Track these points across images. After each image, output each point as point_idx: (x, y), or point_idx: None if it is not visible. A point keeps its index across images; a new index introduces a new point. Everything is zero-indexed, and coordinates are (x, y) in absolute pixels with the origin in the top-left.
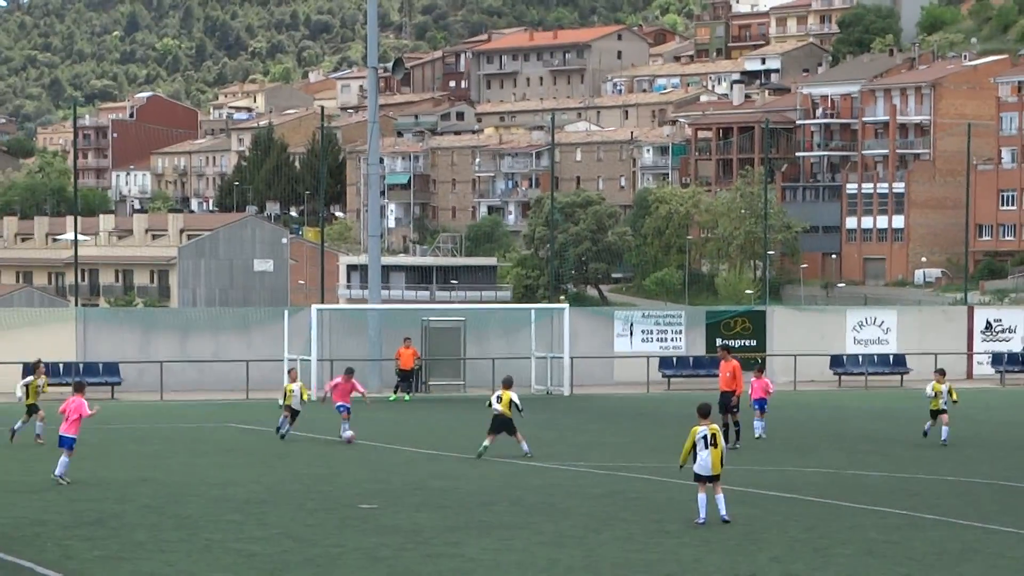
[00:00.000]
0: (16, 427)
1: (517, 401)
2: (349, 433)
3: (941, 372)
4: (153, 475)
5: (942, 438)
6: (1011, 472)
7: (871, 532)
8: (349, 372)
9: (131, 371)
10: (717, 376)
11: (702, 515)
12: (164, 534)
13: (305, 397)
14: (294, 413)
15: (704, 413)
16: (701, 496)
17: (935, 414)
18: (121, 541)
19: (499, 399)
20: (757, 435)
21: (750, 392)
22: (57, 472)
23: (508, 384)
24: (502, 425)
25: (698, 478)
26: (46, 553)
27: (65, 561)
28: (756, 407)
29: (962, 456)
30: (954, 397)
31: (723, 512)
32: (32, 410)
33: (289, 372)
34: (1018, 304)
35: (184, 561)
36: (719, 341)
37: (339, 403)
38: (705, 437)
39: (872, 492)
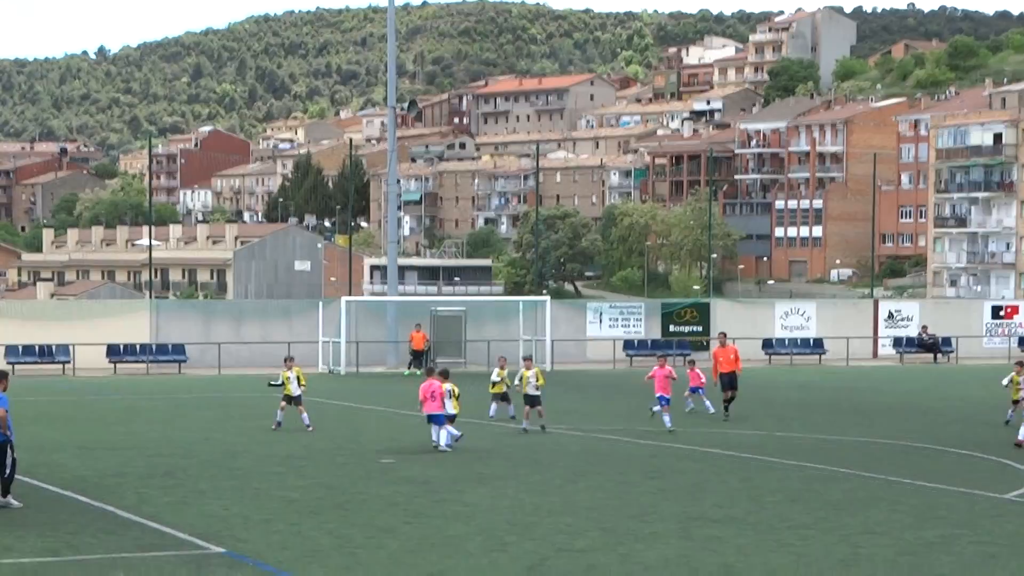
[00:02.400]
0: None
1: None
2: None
3: (1020, 364)
4: (213, 436)
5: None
6: (909, 434)
7: (795, 483)
8: None
9: (194, 351)
10: (672, 355)
11: None
12: (221, 484)
13: (303, 383)
14: (293, 399)
15: None
16: None
17: (1016, 403)
18: (186, 490)
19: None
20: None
21: (688, 380)
22: (442, 443)
23: (529, 359)
24: (532, 400)
25: None
26: (125, 500)
27: (141, 506)
28: (692, 391)
29: (868, 421)
30: None
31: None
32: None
33: (286, 360)
34: (914, 298)
35: (237, 506)
36: (687, 330)
37: None
38: None
39: (796, 450)
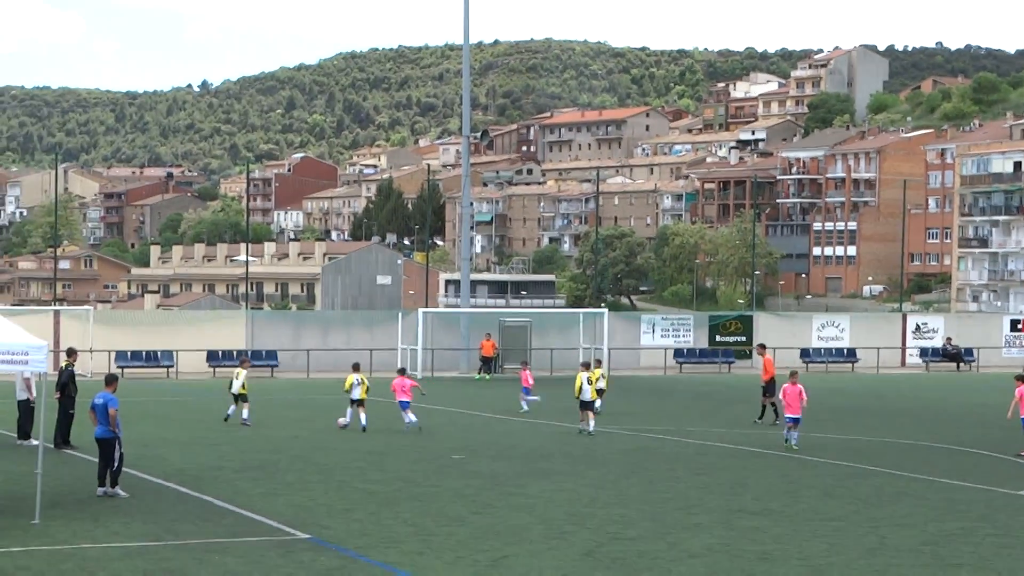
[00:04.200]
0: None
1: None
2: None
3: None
4: (301, 433)
5: None
6: (933, 436)
7: (828, 479)
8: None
9: (286, 357)
10: (718, 363)
11: None
12: (308, 476)
13: (366, 387)
14: (358, 403)
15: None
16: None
17: None
18: (276, 482)
19: (589, 380)
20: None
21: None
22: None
23: (588, 366)
24: (587, 405)
25: None
26: (221, 490)
27: (235, 496)
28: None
29: (897, 424)
30: None
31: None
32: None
33: (354, 366)
34: (939, 312)
35: (323, 496)
36: (712, 338)
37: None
38: None
39: (829, 449)
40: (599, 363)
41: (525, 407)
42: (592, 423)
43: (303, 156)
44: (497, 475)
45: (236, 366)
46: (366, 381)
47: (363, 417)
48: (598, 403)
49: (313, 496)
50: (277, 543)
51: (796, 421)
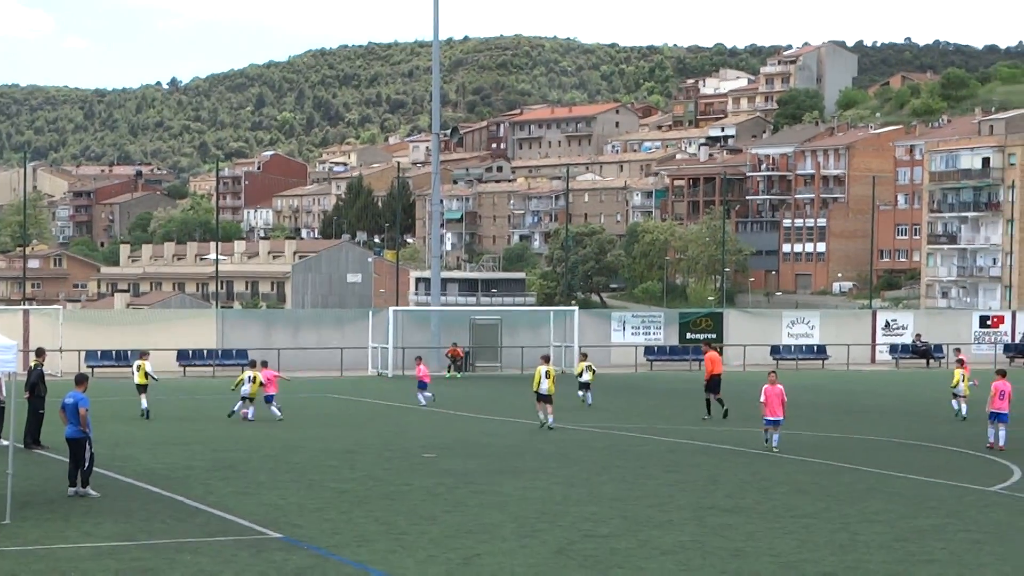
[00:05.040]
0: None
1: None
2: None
3: (960, 362)
4: (272, 432)
5: None
6: (904, 432)
7: (801, 476)
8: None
9: (256, 355)
10: (688, 360)
11: None
12: (279, 476)
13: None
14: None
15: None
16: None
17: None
18: (248, 481)
19: (547, 375)
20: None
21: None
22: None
23: (548, 359)
24: (544, 398)
25: None
26: (192, 490)
27: (207, 496)
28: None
29: (867, 420)
30: None
31: None
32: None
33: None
34: (909, 308)
35: (294, 496)
36: (702, 337)
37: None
38: None
39: (801, 447)
40: (585, 356)
41: (423, 402)
42: (551, 417)
43: (273, 154)
44: (469, 473)
45: (246, 367)
46: (553, 372)
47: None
48: (589, 397)
49: (285, 495)
50: (249, 542)
51: (777, 423)
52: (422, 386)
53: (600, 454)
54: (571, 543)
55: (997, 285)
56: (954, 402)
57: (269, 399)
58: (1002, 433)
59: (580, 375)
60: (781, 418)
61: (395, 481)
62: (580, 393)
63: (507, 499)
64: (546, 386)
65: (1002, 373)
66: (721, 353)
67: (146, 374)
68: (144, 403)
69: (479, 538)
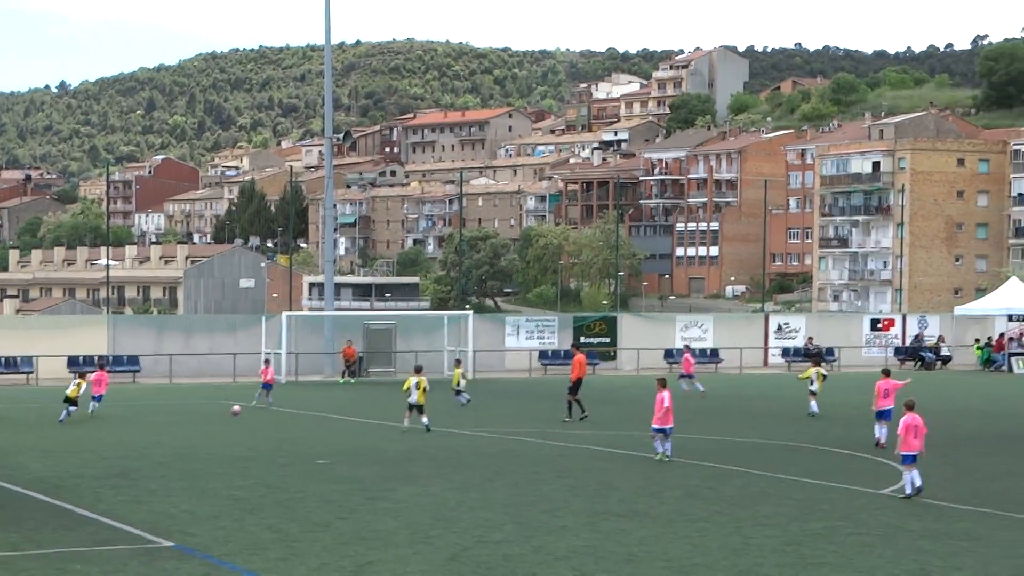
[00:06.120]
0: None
1: (427, 386)
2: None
3: (815, 362)
4: (164, 439)
5: None
6: (796, 435)
7: (693, 480)
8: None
9: (148, 361)
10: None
11: None
12: (171, 483)
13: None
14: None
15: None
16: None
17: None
18: (139, 489)
19: (417, 385)
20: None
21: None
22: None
23: (420, 370)
24: (420, 408)
25: None
26: (82, 498)
27: (97, 504)
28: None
29: (760, 424)
30: None
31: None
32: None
33: (416, 368)
34: (801, 312)
35: (186, 503)
36: (576, 340)
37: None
38: None
39: (693, 451)
40: (459, 363)
41: (270, 400)
42: (407, 422)
43: (164, 158)
44: (362, 480)
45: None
46: (424, 383)
47: (423, 419)
48: (464, 397)
49: (176, 503)
50: (140, 551)
51: (665, 431)
52: (267, 387)
53: (493, 459)
54: (465, 549)
55: (888, 288)
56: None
57: (98, 399)
58: (885, 430)
59: (457, 384)
60: (670, 426)
61: (288, 488)
62: (458, 398)
63: (400, 505)
64: (415, 397)
65: (886, 372)
66: (615, 357)
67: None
68: (64, 414)
69: (372, 545)
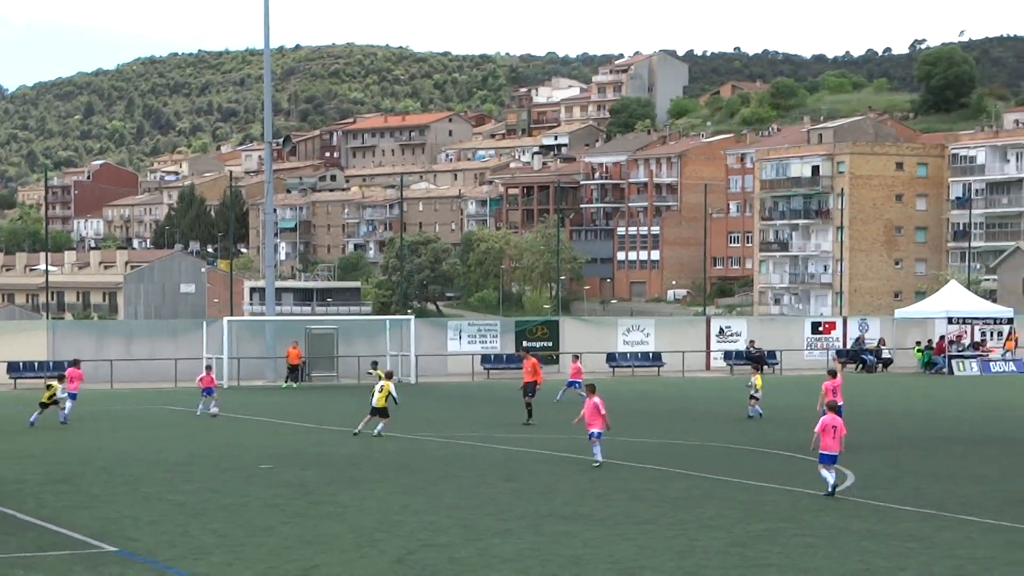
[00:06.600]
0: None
1: (394, 393)
2: (215, 409)
3: (754, 367)
4: (106, 444)
5: None
6: (739, 438)
7: (636, 483)
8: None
9: (88, 367)
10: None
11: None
12: (114, 488)
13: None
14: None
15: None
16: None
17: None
18: (82, 494)
19: (381, 388)
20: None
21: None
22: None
23: (390, 375)
24: (379, 412)
25: None
26: (25, 504)
27: (39, 510)
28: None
29: (703, 426)
30: None
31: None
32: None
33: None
34: (742, 315)
35: (129, 508)
36: (523, 344)
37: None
38: None
39: (636, 453)
40: (375, 364)
41: (201, 410)
42: (381, 426)
43: (103, 163)
44: (306, 484)
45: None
46: (389, 387)
47: (380, 425)
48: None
49: (120, 508)
50: (83, 556)
51: (599, 435)
52: (208, 393)
53: (438, 463)
54: (410, 552)
55: (828, 292)
56: (756, 407)
57: (71, 395)
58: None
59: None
60: (601, 430)
61: (232, 493)
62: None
63: (345, 509)
64: (375, 399)
65: (832, 373)
66: (558, 361)
67: (52, 396)
68: (34, 416)
69: (317, 549)
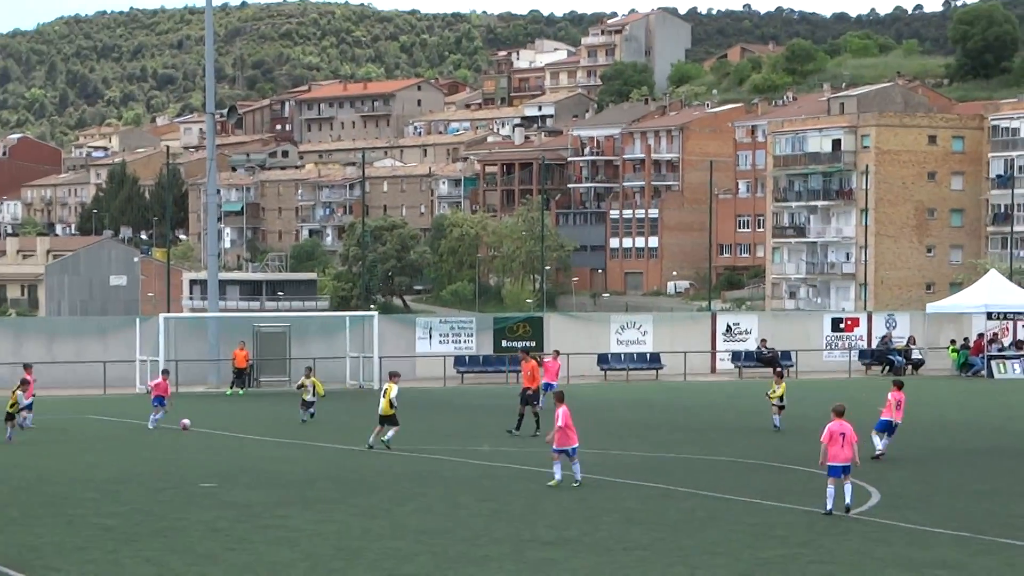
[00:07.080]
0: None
1: (392, 397)
2: (185, 421)
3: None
4: (24, 461)
5: None
6: (748, 451)
7: (631, 502)
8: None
9: (4, 371)
10: (505, 372)
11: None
12: (34, 511)
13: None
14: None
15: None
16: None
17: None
18: None
19: (384, 393)
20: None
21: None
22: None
23: (394, 376)
24: (387, 420)
25: None
26: None
27: None
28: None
29: (707, 438)
30: None
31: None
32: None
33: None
34: (753, 310)
35: (51, 534)
36: (503, 343)
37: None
38: None
39: (632, 469)
40: (309, 371)
41: (158, 417)
42: (389, 433)
43: (21, 137)
44: (254, 505)
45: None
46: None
47: (388, 433)
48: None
49: (40, 533)
50: None
51: (568, 452)
52: (159, 402)
53: (404, 481)
54: None
55: (851, 283)
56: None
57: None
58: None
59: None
60: (573, 445)
61: (168, 515)
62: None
63: (298, 534)
64: (381, 406)
65: (899, 384)
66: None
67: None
68: (9, 430)
69: None
